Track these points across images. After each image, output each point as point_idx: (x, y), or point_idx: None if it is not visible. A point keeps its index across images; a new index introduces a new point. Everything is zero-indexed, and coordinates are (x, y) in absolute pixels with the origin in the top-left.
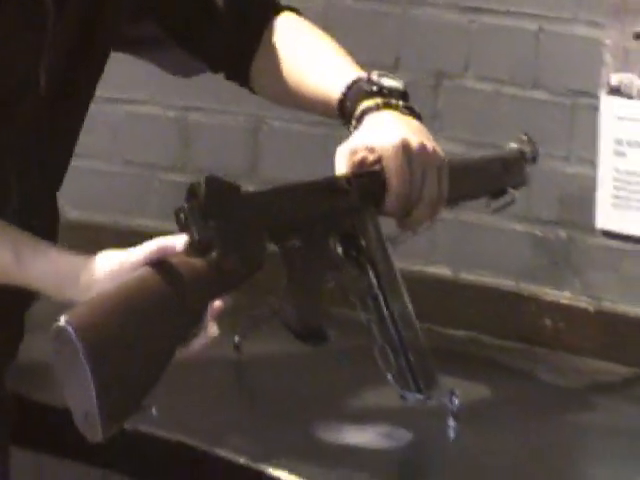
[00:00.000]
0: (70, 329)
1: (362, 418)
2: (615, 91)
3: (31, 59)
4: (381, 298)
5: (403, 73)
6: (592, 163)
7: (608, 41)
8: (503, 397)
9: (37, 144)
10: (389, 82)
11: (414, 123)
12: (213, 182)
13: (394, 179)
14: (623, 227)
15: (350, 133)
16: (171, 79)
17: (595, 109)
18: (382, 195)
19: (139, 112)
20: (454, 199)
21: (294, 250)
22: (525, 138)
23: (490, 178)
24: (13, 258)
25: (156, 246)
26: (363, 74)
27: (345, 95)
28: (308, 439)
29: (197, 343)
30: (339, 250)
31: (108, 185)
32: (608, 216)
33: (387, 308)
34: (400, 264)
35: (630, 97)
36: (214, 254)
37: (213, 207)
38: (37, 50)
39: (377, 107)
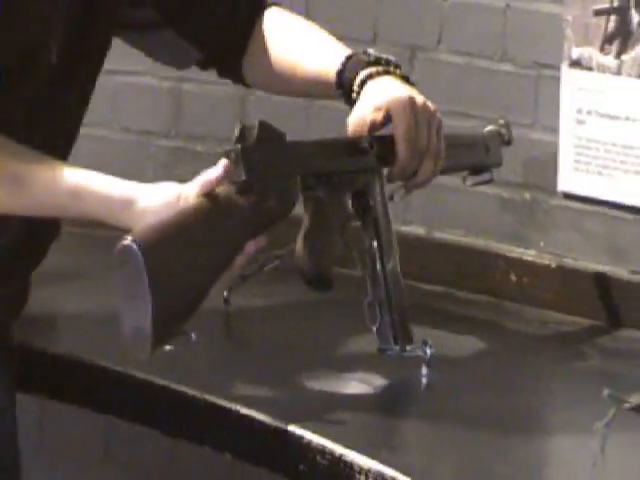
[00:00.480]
0: (135, 247)
1: (343, 366)
2: (576, 64)
3: (41, 28)
4: (378, 256)
5: (381, 47)
6: (555, 130)
7: (569, 17)
8: (473, 346)
9: (49, 112)
10: (384, 55)
11: (413, 87)
12: (264, 128)
13: (403, 131)
14: (583, 189)
15: (351, 103)
16: None
17: (557, 80)
18: (394, 157)
19: (137, 83)
20: (444, 167)
21: (317, 200)
22: (502, 122)
23: (474, 155)
24: (70, 192)
25: (205, 179)
26: (358, 51)
27: (344, 66)
28: (294, 386)
29: (229, 276)
30: (349, 205)
31: (108, 150)
32: (569, 179)
33: (382, 267)
34: None
35: (590, 69)
36: (255, 195)
37: (261, 152)
38: (46, 19)
39: (378, 73)
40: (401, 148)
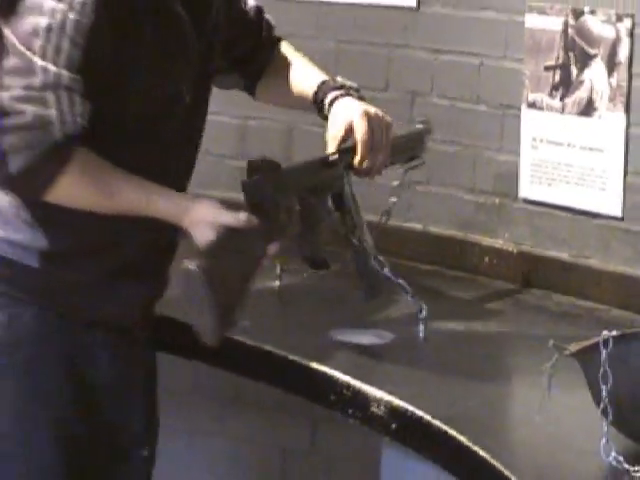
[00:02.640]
0: (196, 269)
1: (363, 324)
2: (532, 105)
3: (179, 79)
4: (355, 234)
5: (390, 93)
6: (516, 153)
7: (527, 72)
8: (455, 311)
9: (178, 149)
10: (347, 82)
11: (367, 104)
12: (266, 162)
13: (361, 136)
14: (537, 196)
15: (324, 117)
16: (234, 97)
17: (519, 117)
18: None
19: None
20: (394, 159)
21: (308, 205)
22: (426, 119)
23: (412, 148)
24: (144, 198)
25: (234, 218)
26: (329, 78)
27: (319, 89)
28: (326, 339)
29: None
30: (330, 204)
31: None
32: (527, 189)
33: (359, 241)
34: (394, 222)
35: (542, 109)
36: (268, 213)
37: (267, 180)
38: (182, 73)
39: (341, 95)
40: (360, 148)
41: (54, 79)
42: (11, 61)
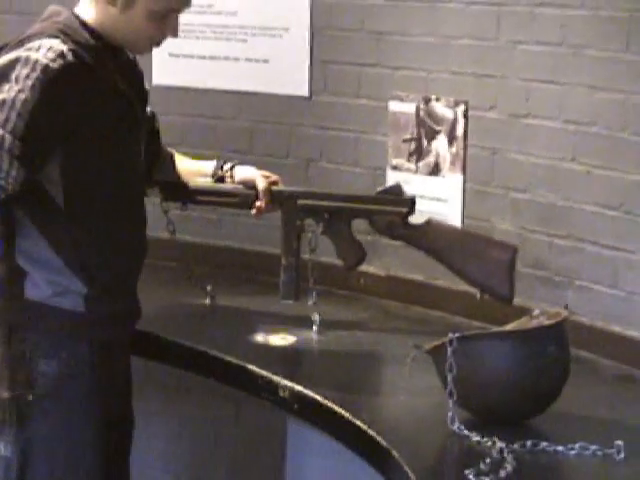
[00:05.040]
0: None
1: (274, 330)
2: (394, 168)
3: (136, 147)
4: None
5: (290, 159)
6: None
7: (390, 142)
8: (344, 320)
9: (141, 198)
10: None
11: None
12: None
13: (261, 187)
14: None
15: (220, 178)
16: None
17: (385, 176)
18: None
19: None
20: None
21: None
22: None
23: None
24: None
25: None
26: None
27: (217, 162)
28: (247, 342)
29: None
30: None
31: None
32: None
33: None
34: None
35: (401, 170)
36: None
37: None
38: (137, 135)
39: (237, 164)
40: (261, 196)
41: None
42: None
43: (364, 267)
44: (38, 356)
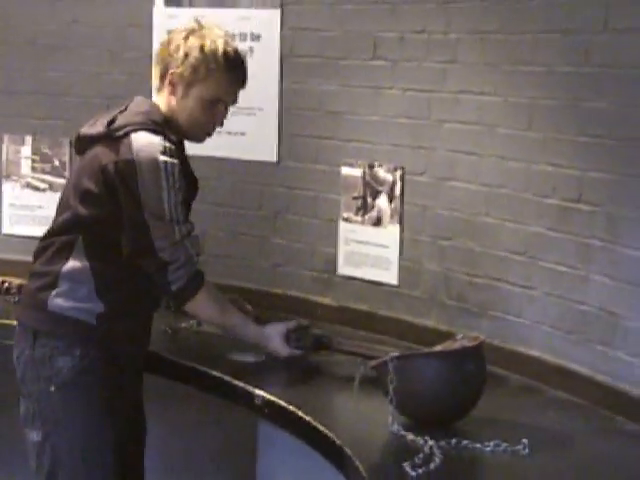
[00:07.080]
0: None
1: (247, 349)
2: (345, 219)
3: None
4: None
5: (262, 211)
6: (336, 248)
7: (342, 200)
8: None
9: None
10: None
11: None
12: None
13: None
14: (349, 273)
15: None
16: None
17: (337, 227)
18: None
19: None
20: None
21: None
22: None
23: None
24: (242, 322)
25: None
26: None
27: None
28: (225, 359)
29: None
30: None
31: None
32: (343, 268)
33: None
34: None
35: (351, 222)
36: None
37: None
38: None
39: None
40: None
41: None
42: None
43: (319, 299)
44: (56, 355)
